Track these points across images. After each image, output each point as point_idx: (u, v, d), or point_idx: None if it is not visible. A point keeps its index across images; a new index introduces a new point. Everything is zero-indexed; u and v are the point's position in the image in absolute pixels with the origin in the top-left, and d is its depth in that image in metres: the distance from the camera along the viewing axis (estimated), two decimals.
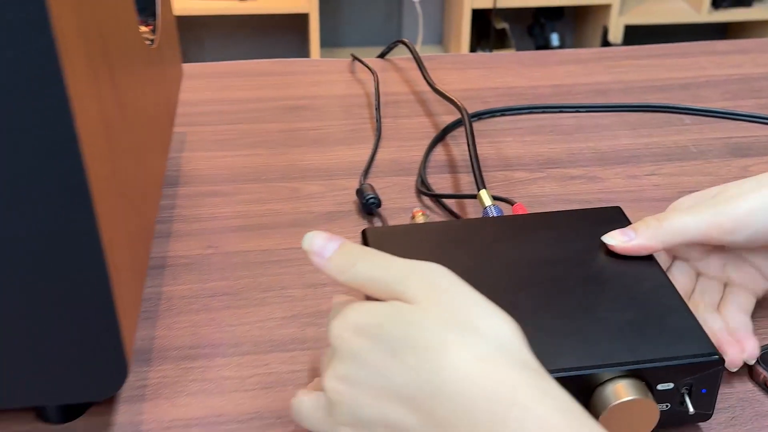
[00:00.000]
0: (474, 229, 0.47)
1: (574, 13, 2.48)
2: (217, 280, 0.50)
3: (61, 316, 0.35)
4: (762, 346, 0.44)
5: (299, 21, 2.26)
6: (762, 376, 0.43)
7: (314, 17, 2.10)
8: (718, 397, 0.42)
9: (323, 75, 0.78)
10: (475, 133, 0.65)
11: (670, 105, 0.72)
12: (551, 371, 0.36)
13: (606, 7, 2.27)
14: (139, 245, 0.42)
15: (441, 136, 0.67)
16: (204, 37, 2.35)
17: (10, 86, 0.31)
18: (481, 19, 2.31)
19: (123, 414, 0.41)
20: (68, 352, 0.36)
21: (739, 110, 0.71)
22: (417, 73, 0.76)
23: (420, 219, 0.53)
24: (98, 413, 0.41)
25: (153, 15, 0.53)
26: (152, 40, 0.52)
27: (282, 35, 2.38)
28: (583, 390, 0.38)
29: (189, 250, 0.53)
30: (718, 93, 0.75)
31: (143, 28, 0.52)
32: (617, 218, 0.48)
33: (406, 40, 0.77)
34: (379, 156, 0.64)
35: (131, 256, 0.40)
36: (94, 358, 0.36)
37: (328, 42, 2.39)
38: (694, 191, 0.52)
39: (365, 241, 0.46)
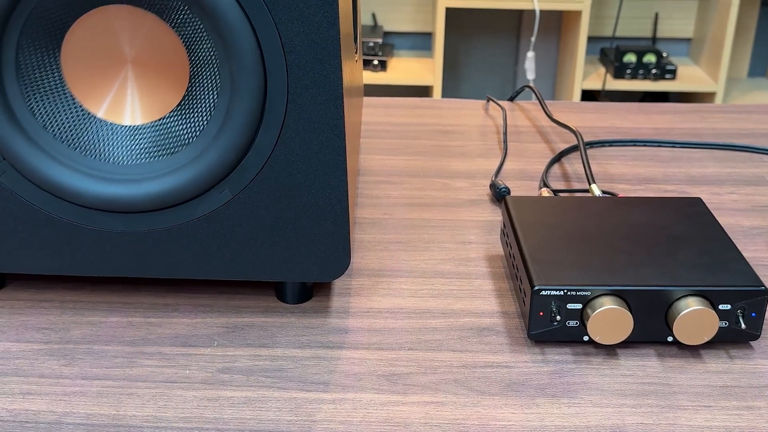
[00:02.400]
0: (590, 202, 0.64)
1: (678, 98, 2.63)
2: (393, 234, 0.69)
3: (315, 216, 0.54)
4: None
5: (424, 92, 2.51)
6: None
7: (437, 89, 2.34)
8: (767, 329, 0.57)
9: (465, 111, 0.97)
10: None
11: (753, 146, 0.87)
12: (646, 286, 0.53)
13: (711, 95, 2.41)
14: (354, 197, 0.61)
15: (558, 158, 0.85)
16: None
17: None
18: (590, 99, 2.50)
19: (336, 302, 0.59)
20: (315, 242, 0.55)
21: None
22: (539, 113, 0.95)
23: (546, 194, 0.70)
24: (319, 300, 0.60)
25: (356, 40, 0.74)
26: (357, 59, 0.72)
27: None
28: (665, 301, 0.54)
29: (371, 215, 0.72)
30: None
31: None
32: (697, 205, 0.64)
33: (531, 85, 0.95)
34: (507, 167, 0.83)
35: (352, 200, 0.59)
36: (330, 247, 0.55)
37: None
38: (765, 207, 0.67)
39: (506, 206, 0.64)
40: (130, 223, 0.55)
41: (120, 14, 0.52)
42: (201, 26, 0.51)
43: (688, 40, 2.60)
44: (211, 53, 0.52)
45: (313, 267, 0.56)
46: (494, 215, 0.73)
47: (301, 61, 0.51)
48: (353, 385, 0.51)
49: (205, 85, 0.53)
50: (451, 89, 2.64)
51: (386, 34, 2.54)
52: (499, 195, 0.75)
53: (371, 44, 2.35)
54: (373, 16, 2.51)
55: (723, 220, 0.72)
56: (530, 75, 2.41)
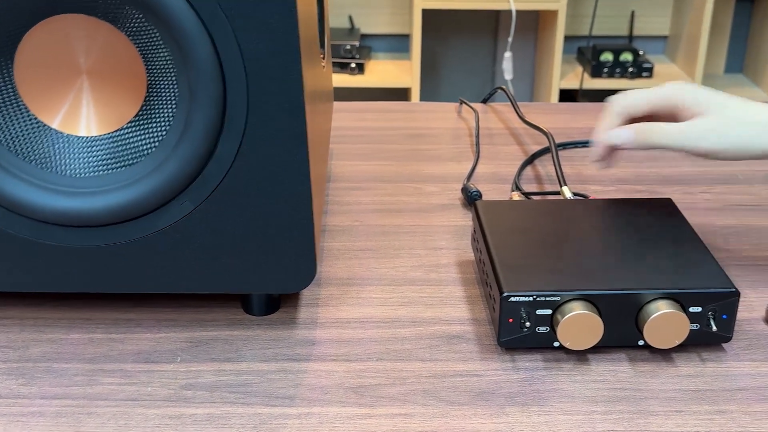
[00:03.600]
0: (560, 205, 0.64)
1: None
2: (363, 241, 0.68)
3: (279, 226, 0.53)
4: None
5: (402, 94, 2.50)
6: None
7: (415, 92, 2.33)
8: (740, 330, 0.57)
9: (437, 114, 0.96)
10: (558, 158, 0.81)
11: None
12: (616, 290, 0.52)
13: None
14: (320, 205, 0.60)
15: (531, 160, 0.84)
16: None
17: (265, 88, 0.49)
18: (568, 98, 2.50)
19: (304, 313, 0.58)
20: (280, 253, 0.54)
21: None
22: (512, 115, 0.94)
23: (516, 198, 0.69)
24: (287, 312, 0.58)
25: (323, 46, 0.73)
26: (324, 66, 0.71)
27: None
28: (635, 305, 0.53)
29: (341, 222, 0.71)
30: None
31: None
32: (667, 205, 0.63)
33: (504, 87, 0.95)
34: (480, 170, 0.82)
35: (318, 208, 0.58)
36: (296, 258, 0.54)
37: None
38: (737, 206, 0.67)
39: (476, 211, 0.63)
40: (89, 238, 0.53)
41: (75, 24, 0.51)
42: (157, 35, 0.50)
43: (665, 37, 2.61)
44: (169, 62, 0.51)
45: (278, 278, 0.55)
46: (466, 220, 0.72)
47: (261, 69, 0.50)
48: (320, 399, 0.50)
49: (163, 94, 0.52)
50: (429, 91, 2.63)
51: (363, 36, 2.53)
52: (471, 199, 0.74)
53: (348, 47, 2.34)
54: (350, 18, 2.50)
55: (695, 220, 0.72)
56: (508, 75, 2.41)
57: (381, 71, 2.40)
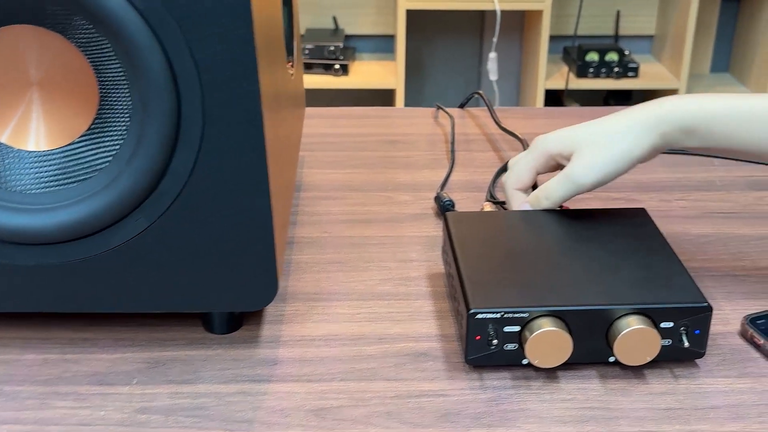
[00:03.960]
0: (531, 216, 0.62)
1: (642, 96, 2.63)
2: (332, 254, 0.66)
3: (239, 242, 0.51)
4: (748, 315, 0.57)
5: (386, 95, 2.48)
6: (749, 333, 0.56)
7: (400, 93, 2.31)
8: (714, 345, 0.55)
9: (413, 119, 0.95)
10: None
11: None
12: (585, 306, 0.51)
13: (673, 92, 2.41)
14: (285, 218, 0.59)
15: (506, 167, 0.83)
16: None
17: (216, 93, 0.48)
18: (554, 99, 2.49)
19: (267, 330, 0.57)
20: (239, 270, 0.52)
21: None
22: (490, 120, 0.93)
23: (488, 209, 0.68)
24: (249, 329, 0.57)
25: (292, 53, 0.71)
26: (292, 74, 0.69)
27: (371, 107, 2.60)
28: (605, 321, 0.52)
29: (310, 233, 0.69)
30: None
31: (287, 64, 0.70)
32: (641, 216, 0.62)
33: (481, 92, 0.93)
34: (455, 177, 0.80)
35: (281, 222, 0.56)
36: (256, 276, 0.52)
37: None
38: (714, 213, 0.66)
39: (446, 223, 0.61)
40: (42, 256, 0.52)
41: (24, 35, 0.49)
42: (108, 46, 0.48)
43: (650, 37, 2.60)
44: (120, 74, 0.49)
45: (238, 296, 0.53)
46: (438, 230, 0.70)
47: (216, 80, 0.48)
48: (279, 422, 0.48)
49: (116, 107, 0.50)
50: (414, 92, 2.61)
51: (347, 37, 2.51)
52: (443, 209, 0.73)
53: (332, 48, 2.32)
54: (334, 19, 2.48)
55: (671, 228, 0.70)
56: (493, 76, 2.40)
57: (365, 72, 2.38)
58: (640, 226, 0.61)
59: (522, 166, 0.65)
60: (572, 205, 0.69)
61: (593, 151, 0.60)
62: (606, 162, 0.60)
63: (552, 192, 0.62)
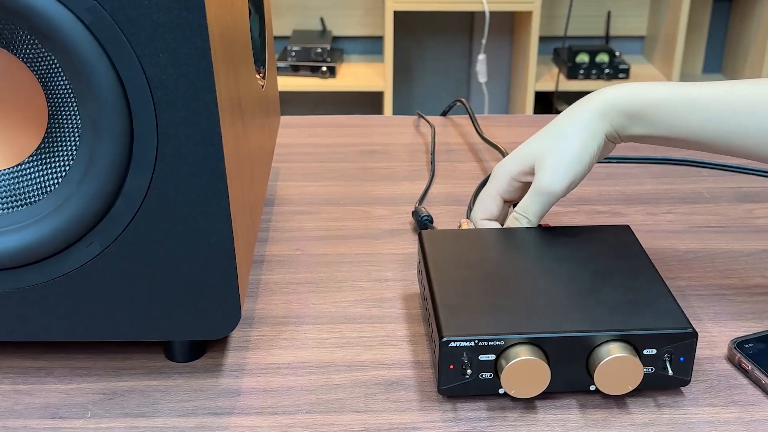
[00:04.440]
0: (510, 234, 0.60)
1: None
2: (303, 273, 0.64)
3: (198, 267, 0.48)
4: (736, 338, 0.54)
5: (375, 98, 2.45)
6: (737, 358, 0.53)
7: (388, 95, 2.28)
8: (700, 371, 0.53)
9: (393, 128, 0.92)
10: None
11: (690, 159, 0.83)
12: (564, 333, 0.48)
13: None
14: (250, 237, 0.56)
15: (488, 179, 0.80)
16: (288, 112, 2.56)
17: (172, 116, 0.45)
18: (544, 101, 2.46)
19: (231, 358, 0.54)
20: (199, 297, 0.49)
21: (750, 165, 0.81)
22: (472, 129, 0.90)
23: (465, 227, 0.65)
24: (212, 357, 0.54)
25: (263, 64, 0.68)
26: (263, 85, 0.67)
27: (359, 110, 2.58)
28: (585, 348, 0.49)
29: (282, 251, 0.67)
30: None
31: (257, 75, 0.67)
32: (625, 234, 0.59)
33: (463, 99, 0.91)
34: (435, 190, 0.78)
35: (246, 242, 0.53)
36: (217, 303, 0.49)
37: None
38: (702, 228, 0.64)
39: (421, 242, 0.59)
40: None
41: None
42: (56, 62, 0.45)
43: (642, 37, 2.58)
44: (69, 92, 0.46)
45: (198, 324, 0.50)
46: (414, 247, 0.68)
47: (170, 98, 0.45)
48: None
49: (66, 126, 0.47)
50: (403, 94, 2.59)
51: (335, 38, 2.48)
52: (421, 225, 0.70)
53: (319, 50, 2.29)
54: (322, 20, 2.45)
55: (657, 243, 0.68)
56: (482, 78, 2.37)
57: (353, 74, 2.35)
58: (623, 244, 0.58)
59: (485, 195, 0.63)
60: (557, 220, 0.66)
61: (553, 157, 0.58)
62: (569, 162, 0.58)
63: (528, 208, 0.59)
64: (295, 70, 2.30)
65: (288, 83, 2.27)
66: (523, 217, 0.60)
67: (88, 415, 0.49)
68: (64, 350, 0.54)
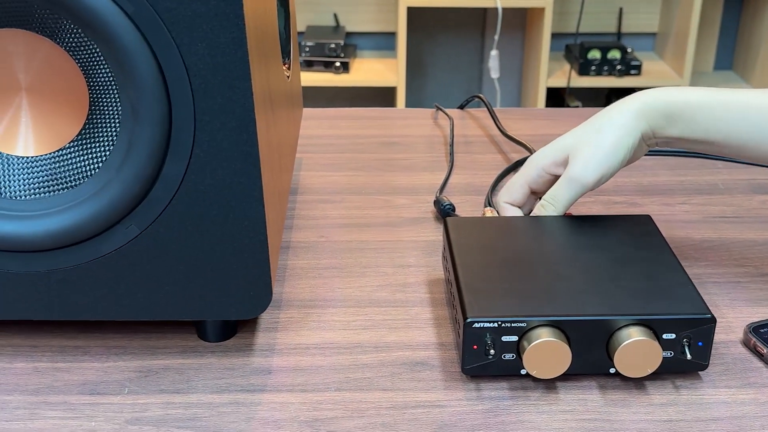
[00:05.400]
0: (533, 222, 0.61)
1: None
2: (328, 259, 0.65)
3: (231, 250, 0.50)
4: (751, 323, 0.56)
5: (387, 93, 2.47)
6: (752, 342, 0.55)
7: (401, 91, 2.30)
8: (716, 354, 0.54)
9: (412, 120, 0.94)
10: None
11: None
12: (585, 316, 0.49)
13: None
14: (279, 223, 0.58)
15: (507, 172, 0.82)
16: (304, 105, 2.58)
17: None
18: (555, 97, 2.47)
19: (262, 338, 0.56)
20: (232, 278, 0.51)
21: None
22: (491, 122, 0.91)
23: (489, 215, 0.67)
24: (243, 337, 0.56)
25: (288, 56, 0.70)
26: (288, 76, 0.68)
27: (372, 106, 2.59)
28: (605, 332, 0.51)
29: (306, 237, 0.68)
30: None
31: (283, 67, 0.69)
32: (646, 223, 0.61)
33: (482, 96, 0.92)
34: (454, 180, 0.79)
35: (276, 228, 0.55)
36: (250, 284, 0.51)
37: None
38: (717, 218, 0.65)
39: (446, 228, 0.60)
40: (30, 263, 0.51)
41: (13, 39, 0.48)
42: (97, 50, 0.47)
43: (653, 34, 2.59)
44: (110, 79, 0.48)
45: (231, 304, 0.52)
46: (436, 235, 0.69)
47: (207, 86, 0.47)
48: None
49: (106, 113, 0.49)
50: (416, 89, 2.60)
51: (348, 34, 2.50)
52: (444, 213, 0.71)
53: (333, 45, 2.30)
54: (335, 16, 2.47)
55: (673, 233, 0.69)
56: (494, 74, 2.38)
57: (366, 70, 2.37)
58: (644, 233, 0.59)
59: (513, 182, 0.65)
60: (574, 209, 0.68)
61: (588, 149, 0.60)
62: (604, 155, 0.60)
63: (557, 196, 0.61)
64: (308, 65, 2.31)
65: (302, 78, 2.29)
66: (549, 204, 0.61)
67: (125, 391, 0.51)
68: (99, 330, 0.56)
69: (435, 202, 0.73)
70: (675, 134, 0.59)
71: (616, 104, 0.62)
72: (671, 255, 0.57)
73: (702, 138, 0.59)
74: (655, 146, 0.62)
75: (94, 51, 0.47)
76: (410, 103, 2.54)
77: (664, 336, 0.51)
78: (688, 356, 0.51)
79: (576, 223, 0.61)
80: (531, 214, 0.63)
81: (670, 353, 0.51)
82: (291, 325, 0.57)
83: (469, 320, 0.50)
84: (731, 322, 0.58)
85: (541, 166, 0.63)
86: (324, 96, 2.56)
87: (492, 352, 0.51)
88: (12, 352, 0.54)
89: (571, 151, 0.61)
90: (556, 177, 0.62)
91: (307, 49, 2.30)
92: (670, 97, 0.59)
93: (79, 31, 0.47)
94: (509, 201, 0.64)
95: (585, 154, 0.60)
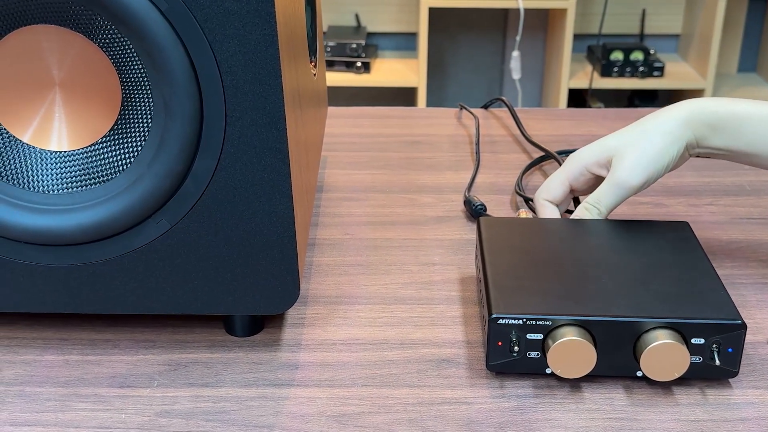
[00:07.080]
0: (566, 224, 0.61)
1: (668, 96, 2.60)
2: (353, 256, 0.66)
3: (260, 245, 0.51)
4: None
5: (409, 94, 2.47)
6: None
7: (422, 91, 2.30)
8: (744, 356, 0.54)
9: (436, 119, 0.94)
10: None
11: None
12: (611, 317, 0.49)
13: (700, 92, 2.38)
14: (306, 220, 0.58)
15: (534, 163, 0.81)
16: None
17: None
18: (577, 98, 2.47)
19: (288, 334, 0.56)
20: (261, 273, 0.51)
21: None
22: (513, 122, 0.91)
23: (524, 215, 0.66)
24: (270, 333, 0.56)
25: (315, 54, 0.70)
26: (315, 74, 0.69)
27: (392, 105, 2.59)
28: (632, 333, 0.50)
29: (332, 235, 0.69)
30: None
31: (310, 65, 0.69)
32: (683, 229, 0.60)
33: (503, 98, 0.92)
34: (479, 180, 0.79)
35: (303, 224, 0.56)
36: (278, 280, 0.52)
37: None
38: (744, 219, 0.64)
39: (479, 228, 0.60)
40: (62, 257, 0.51)
41: (47, 35, 0.49)
42: (131, 47, 0.48)
43: (677, 36, 2.57)
44: (143, 75, 0.48)
45: (259, 299, 0.53)
46: (461, 234, 0.69)
47: (238, 82, 0.47)
48: (299, 428, 0.48)
49: (139, 108, 0.50)
50: (436, 90, 2.60)
51: (370, 34, 2.50)
52: (475, 213, 0.71)
53: (354, 45, 2.31)
54: (356, 16, 2.47)
55: (699, 234, 0.69)
56: (516, 75, 2.38)
57: (387, 70, 2.37)
58: (681, 240, 0.58)
59: (553, 178, 0.65)
60: None
61: (634, 152, 0.60)
62: (650, 160, 0.60)
63: (601, 199, 0.61)
64: (330, 65, 2.32)
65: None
66: (594, 208, 0.61)
67: (154, 384, 0.51)
68: (128, 324, 0.57)
69: (465, 201, 0.73)
70: (719, 145, 0.59)
71: (663, 110, 0.62)
72: (706, 261, 0.56)
73: (745, 150, 0.59)
74: (697, 156, 0.62)
75: (127, 47, 0.48)
76: (431, 103, 2.54)
77: (693, 341, 0.51)
78: (717, 362, 0.51)
79: (611, 227, 0.61)
80: (572, 217, 0.63)
81: (699, 358, 0.51)
82: (317, 321, 0.57)
83: (494, 316, 0.50)
84: (759, 323, 0.57)
85: (584, 165, 0.63)
86: (344, 96, 2.57)
87: (517, 349, 0.51)
88: (42, 344, 0.55)
89: (615, 153, 0.61)
90: (596, 177, 0.62)
91: (329, 49, 2.31)
92: (717, 108, 0.59)
93: (113, 27, 0.48)
94: (548, 198, 0.64)
95: (631, 158, 0.60)
